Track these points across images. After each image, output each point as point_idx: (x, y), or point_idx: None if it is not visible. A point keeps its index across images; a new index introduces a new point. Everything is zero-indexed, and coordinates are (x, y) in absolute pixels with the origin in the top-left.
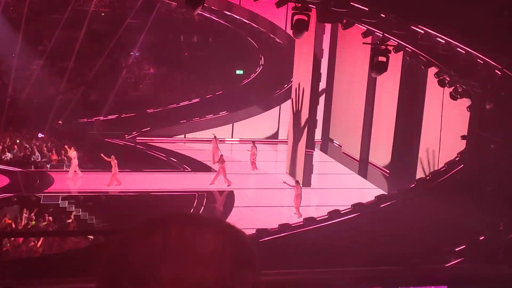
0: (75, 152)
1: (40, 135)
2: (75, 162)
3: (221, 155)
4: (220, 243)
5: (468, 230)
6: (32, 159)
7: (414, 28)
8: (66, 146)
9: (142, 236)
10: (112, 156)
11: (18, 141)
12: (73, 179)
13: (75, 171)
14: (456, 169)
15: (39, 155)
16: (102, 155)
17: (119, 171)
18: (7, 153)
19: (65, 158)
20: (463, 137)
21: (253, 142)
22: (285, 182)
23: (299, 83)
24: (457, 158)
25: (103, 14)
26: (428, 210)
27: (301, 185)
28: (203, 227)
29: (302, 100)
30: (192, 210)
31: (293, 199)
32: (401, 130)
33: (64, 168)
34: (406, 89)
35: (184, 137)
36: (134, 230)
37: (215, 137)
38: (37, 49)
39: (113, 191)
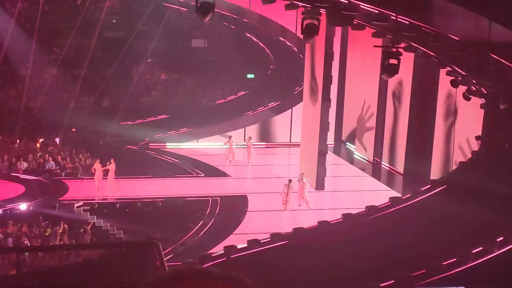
0: (99, 164)
1: (57, 139)
2: (98, 174)
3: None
4: None
5: (484, 230)
6: (47, 168)
7: (425, 29)
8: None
9: None
10: (112, 160)
11: (34, 149)
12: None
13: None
14: (471, 169)
15: (54, 163)
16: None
17: (135, 177)
18: (22, 162)
19: (79, 166)
20: (477, 138)
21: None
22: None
23: (310, 86)
24: (472, 158)
25: (114, 21)
26: (443, 211)
27: (308, 184)
28: (215, 283)
29: (314, 103)
30: (206, 213)
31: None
32: (414, 131)
33: (79, 176)
34: (418, 90)
35: (197, 142)
36: (147, 286)
37: (230, 137)
38: (50, 57)
39: (128, 198)
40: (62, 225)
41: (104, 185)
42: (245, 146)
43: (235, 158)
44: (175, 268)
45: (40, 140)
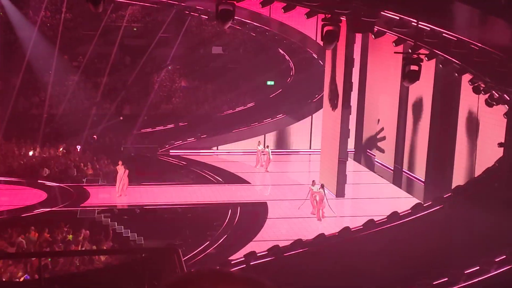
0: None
1: (78, 147)
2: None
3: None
4: None
5: (507, 239)
6: (69, 174)
7: (447, 35)
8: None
9: None
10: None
11: (56, 156)
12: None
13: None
14: (494, 177)
15: (75, 170)
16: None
17: (154, 184)
18: (44, 168)
19: (101, 173)
20: (500, 145)
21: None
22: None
23: (330, 93)
24: (495, 166)
25: (135, 29)
26: (465, 219)
27: (325, 192)
28: (235, 285)
29: (334, 109)
30: (226, 220)
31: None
32: (436, 137)
33: (99, 182)
34: (439, 96)
35: (217, 149)
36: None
37: (259, 143)
38: (72, 65)
39: (148, 204)
40: (83, 231)
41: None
42: (262, 154)
43: (264, 165)
44: (195, 269)
45: (62, 147)
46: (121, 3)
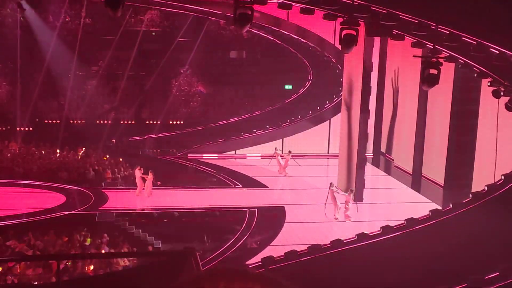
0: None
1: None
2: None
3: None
4: None
5: None
6: (88, 177)
7: (466, 39)
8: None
9: None
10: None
11: (74, 159)
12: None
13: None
14: None
15: (94, 174)
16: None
17: (173, 188)
18: (64, 171)
19: (119, 176)
20: None
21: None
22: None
23: (348, 97)
24: None
25: (153, 33)
26: (484, 224)
27: (353, 198)
28: (251, 283)
29: (352, 113)
30: (244, 224)
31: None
32: (455, 142)
33: (118, 186)
34: (458, 100)
35: (235, 153)
36: (183, 286)
37: (276, 149)
38: (91, 69)
39: (166, 208)
40: (101, 234)
41: (143, 194)
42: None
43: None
44: (211, 267)
45: (82, 151)
46: (140, 8)
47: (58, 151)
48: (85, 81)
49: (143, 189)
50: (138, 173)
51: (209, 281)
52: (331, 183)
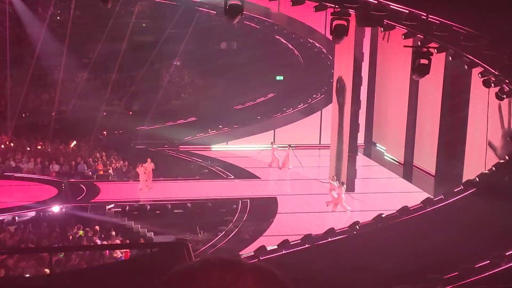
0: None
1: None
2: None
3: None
4: None
5: None
6: (79, 170)
7: (457, 28)
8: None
9: (184, 282)
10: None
11: (66, 152)
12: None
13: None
14: (505, 170)
15: (85, 166)
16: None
17: (165, 180)
18: (54, 164)
19: (111, 168)
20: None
21: (289, 145)
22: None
23: (340, 87)
24: (506, 160)
25: (144, 25)
26: (475, 213)
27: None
28: (244, 273)
29: (343, 104)
30: (236, 215)
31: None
32: (446, 131)
33: (110, 178)
34: (449, 90)
35: (227, 144)
36: (176, 276)
37: (272, 144)
38: (81, 61)
39: (158, 200)
40: (93, 227)
41: (146, 187)
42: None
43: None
44: (203, 257)
45: (72, 143)
46: None
47: (49, 143)
48: (75, 73)
49: (146, 181)
50: (141, 170)
51: (201, 272)
52: (333, 176)
